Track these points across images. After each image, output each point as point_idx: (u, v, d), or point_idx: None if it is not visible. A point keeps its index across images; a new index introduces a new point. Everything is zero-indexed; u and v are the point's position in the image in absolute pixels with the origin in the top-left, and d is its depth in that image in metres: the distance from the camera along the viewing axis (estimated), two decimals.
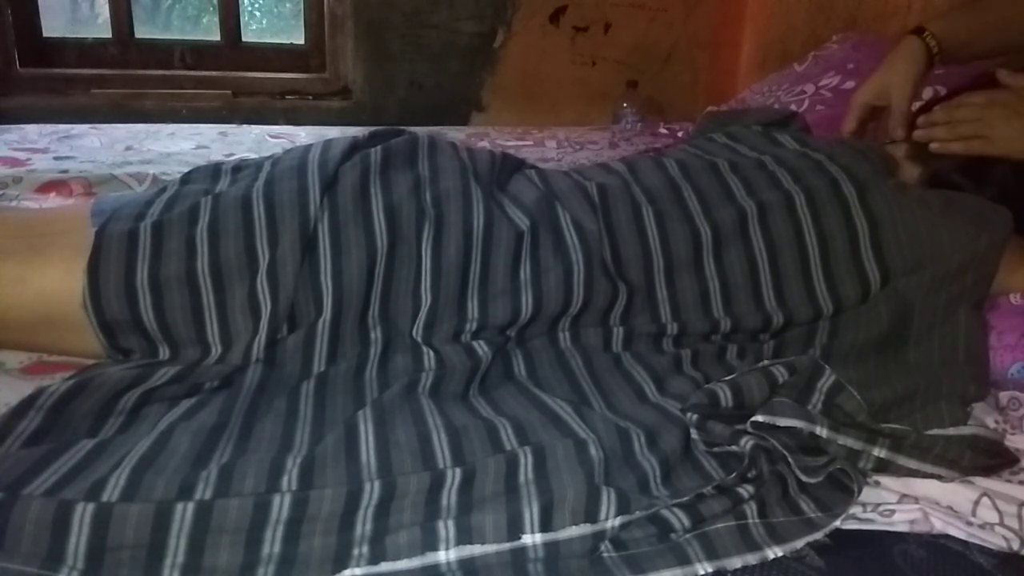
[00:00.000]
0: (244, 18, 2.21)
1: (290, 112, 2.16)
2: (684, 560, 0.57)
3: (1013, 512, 0.64)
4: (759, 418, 0.68)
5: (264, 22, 2.38)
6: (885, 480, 0.68)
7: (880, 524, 0.64)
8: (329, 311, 0.79)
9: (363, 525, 0.56)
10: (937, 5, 1.60)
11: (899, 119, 1.00)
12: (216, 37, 2.19)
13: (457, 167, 0.91)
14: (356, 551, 0.55)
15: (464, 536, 0.56)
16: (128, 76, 2.10)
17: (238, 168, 0.91)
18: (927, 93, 1.24)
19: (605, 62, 2.38)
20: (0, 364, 0.76)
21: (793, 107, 1.51)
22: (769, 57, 2.20)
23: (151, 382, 0.70)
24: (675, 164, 0.97)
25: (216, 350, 0.77)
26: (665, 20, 2.38)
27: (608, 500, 0.58)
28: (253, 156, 1.33)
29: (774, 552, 0.59)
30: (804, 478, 0.65)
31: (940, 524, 0.64)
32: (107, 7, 2.09)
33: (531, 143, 1.76)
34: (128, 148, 1.49)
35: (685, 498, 0.60)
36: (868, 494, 0.67)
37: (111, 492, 0.56)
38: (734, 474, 0.63)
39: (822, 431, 0.67)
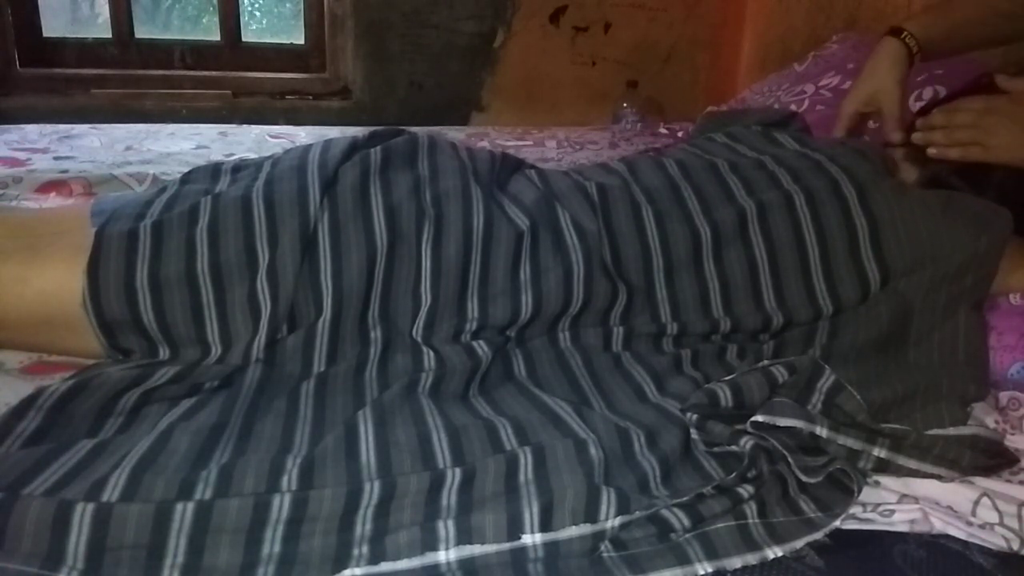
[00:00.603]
0: (244, 18, 2.20)
1: (290, 112, 2.16)
2: (684, 560, 0.57)
3: (1013, 512, 0.64)
4: (759, 418, 0.68)
5: (264, 22, 2.38)
6: (885, 480, 0.68)
7: (880, 524, 0.64)
8: (329, 311, 0.79)
9: (363, 525, 0.56)
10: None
11: (893, 125, 1.01)
12: (216, 37, 2.19)
13: (457, 167, 0.91)
14: (356, 551, 0.55)
15: (464, 536, 0.56)
16: (128, 76, 2.09)
17: (238, 168, 0.91)
18: (927, 93, 1.24)
19: (605, 62, 2.38)
20: (0, 364, 0.76)
21: (793, 107, 1.51)
22: (769, 57, 2.20)
23: (151, 382, 0.70)
24: (675, 164, 0.97)
25: (216, 350, 0.77)
26: (665, 20, 2.38)
27: (608, 500, 0.58)
28: (253, 156, 1.33)
29: (774, 552, 0.59)
30: (804, 478, 0.65)
31: (940, 524, 0.64)
32: (107, 7, 2.08)
33: (531, 143, 1.76)
34: (128, 148, 1.50)
35: (685, 498, 0.60)
36: (868, 494, 0.67)
37: (111, 492, 0.56)
38: (734, 474, 0.63)
39: (822, 431, 0.67)
